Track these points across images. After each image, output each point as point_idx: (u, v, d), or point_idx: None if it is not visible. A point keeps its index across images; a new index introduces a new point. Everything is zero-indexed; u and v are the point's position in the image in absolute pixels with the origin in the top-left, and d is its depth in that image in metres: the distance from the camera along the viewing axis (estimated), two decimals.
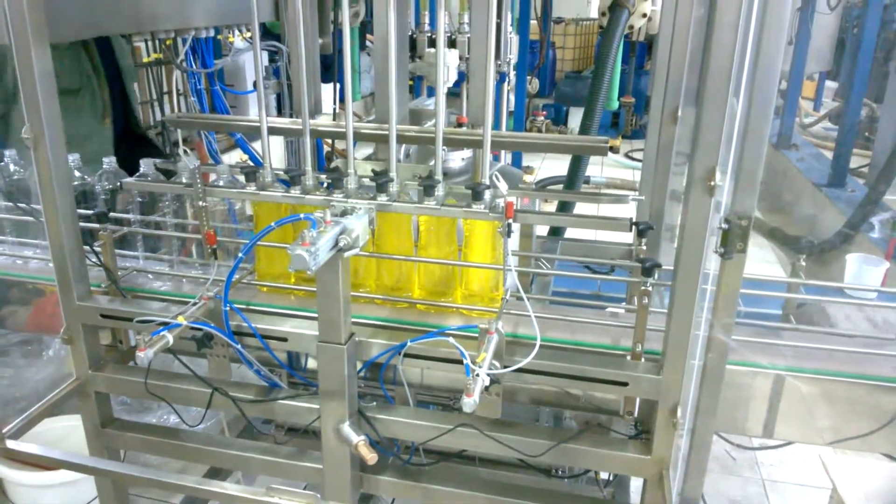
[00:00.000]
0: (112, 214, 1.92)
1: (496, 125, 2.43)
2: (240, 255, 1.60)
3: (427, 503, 1.76)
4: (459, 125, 2.48)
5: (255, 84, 2.79)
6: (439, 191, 1.63)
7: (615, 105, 4.55)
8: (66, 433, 2.57)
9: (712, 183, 1.29)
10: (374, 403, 1.71)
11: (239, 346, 1.69)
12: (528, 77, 6.42)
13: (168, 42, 2.38)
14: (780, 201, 6.48)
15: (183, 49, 2.44)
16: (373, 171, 1.79)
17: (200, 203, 1.72)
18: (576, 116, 8.63)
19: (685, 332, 1.44)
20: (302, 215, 1.49)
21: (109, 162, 2.00)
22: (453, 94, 2.72)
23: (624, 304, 2.62)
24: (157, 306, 1.81)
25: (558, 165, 6.41)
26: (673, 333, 1.45)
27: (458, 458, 2.03)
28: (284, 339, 1.68)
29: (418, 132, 1.95)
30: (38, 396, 2.93)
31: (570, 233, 2.94)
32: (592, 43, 10.57)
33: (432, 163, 1.99)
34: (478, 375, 1.35)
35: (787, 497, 2.91)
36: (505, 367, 1.52)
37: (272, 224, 1.54)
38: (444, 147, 1.75)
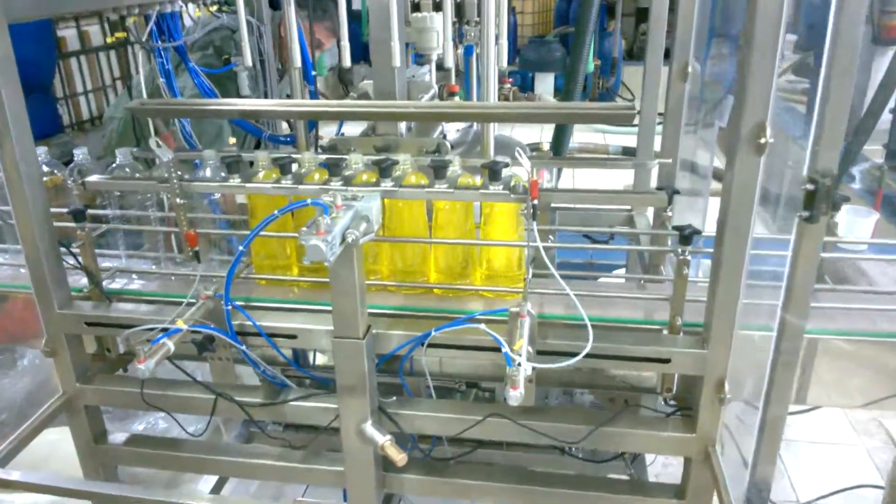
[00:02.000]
0: (90, 211, 1.76)
1: (467, 94, 2.30)
2: (241, 248, 1.45)
3: (455, 498, 1.66)
4: (451, 94, 2.34)
5: (227, 60, 2.59)
6: (454, 169, 1.50)
7: (591, 67, 4.46)
8: (53, 448, 2.40)
9: (762, 140, 1.19)
10: (394, 398, 1.60)
11: (244, 348, 1.55)
12: None
13: (133, 19, 2.18)
14: None
15: (148, 26, 2.25)
16: (375, 147, 1.66)
17: (178, 200, 1.56)
18: (542, 82, 8.49)
19: (732, 302, 1.34)
20: (309, 200, 1.36)
21: (83, 153, 1.82)
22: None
23: (624, 271, 2.56)
24: (147, 309, 1.66)
25: (533, 133, 6.29)
26: (719, 304, 1.35)
27: (480, 443, 1.92)
28: (294, 337, 1.55)
29: (425, 108, 1.79)
30: (17, 410, 2.77)
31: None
32: (551, 7, 10.40)
33: (436, 134, 1.87)
34: (520, 365, 1.24)
35: (800, 456, 2.88)
36: (538, 351, 1.41)
37: (276, 212, 1.40)
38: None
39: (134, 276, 1.83)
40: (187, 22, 2.79)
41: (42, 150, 1.91)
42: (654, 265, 1.90)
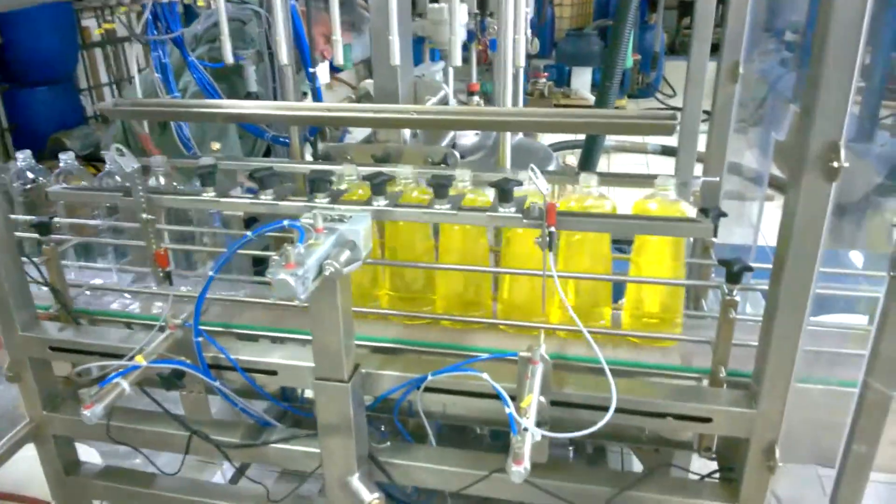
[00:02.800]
0: (60, 220, 1.59)
1: None
2: (210, 273, 1.26)
3: None
4: (470, 94, 2.12)
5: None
6: (464, 183, 1.29)
7: (629, 63, 4.19)
8: (32, 471, 2.25)
9: (835, 164, 0.95)
10: (388, 443, 1.40)
11: (218, 384, 1.36)
12: (529, 37, 6.01)
13: (123, 9, 2.01)
14: None
15: (143, 17, 2.07)
16: (373, 157, 1.45)
17: (144, 216, 1.37)
18: (579, 76, 8.18)
19: (790, 353, 1.11)
20: (286, 222, 1.16)
21: (66, 159, 1.64)
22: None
23: None
24: (118, 335, 1.48)
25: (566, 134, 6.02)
26: (774, 355, 1.12)
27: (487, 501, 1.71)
28: (274, 373, 1.36)
29: (431, 114, 1.57)
30: None
31: None
32: None
33: (445, 142, 1.65)
34: (526, 430, 1.02)
35: None
36: (553, 402, 1.20)
37: (248, 234, 1.20)
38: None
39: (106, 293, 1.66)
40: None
41: (25, 155, 1.75)
42: (693, 295, 1.66)
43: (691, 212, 1.33)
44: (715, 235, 1.25)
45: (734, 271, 1.16)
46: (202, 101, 2.04)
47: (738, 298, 1.17)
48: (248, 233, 1.20)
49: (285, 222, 1.15)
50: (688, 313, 1.43)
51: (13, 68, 4.72)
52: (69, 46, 5.23)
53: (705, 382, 1.29)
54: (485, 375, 1.16)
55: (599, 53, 7.85)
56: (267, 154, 2.71)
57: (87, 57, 5.72)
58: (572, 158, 5.93)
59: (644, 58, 8.23)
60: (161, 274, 1.46)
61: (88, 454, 2.02)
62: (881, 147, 5.16)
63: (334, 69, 2.81)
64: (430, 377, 1.23)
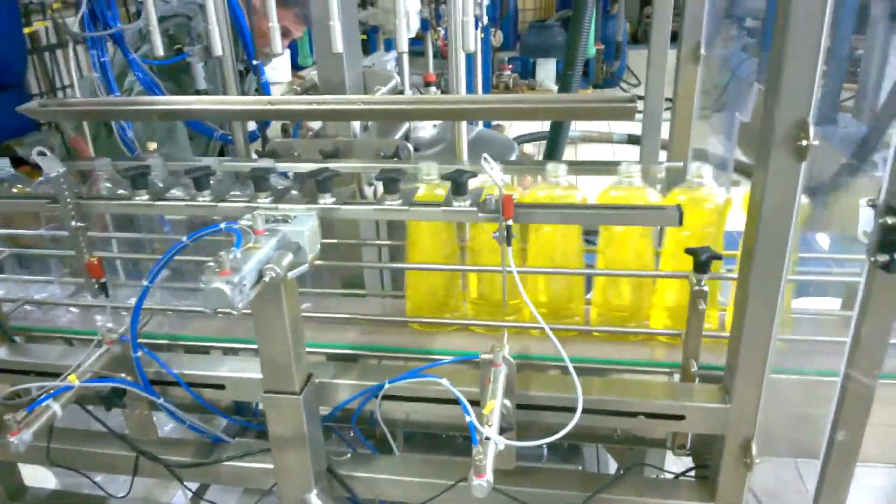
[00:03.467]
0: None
1: (469, 85, 2.00)
2: (145, 283, 1.17)
3: None
4: (427, 85, 2.05)
5: (179, 50, 2.31)
6: (428, 175, 1.22)
7: (592, 51, 4.14)
8: None
9: (804, 143, 0.90)
10: (348, 455, 1.32)
11: (162, 401, 1.27)
12: (492, 29, 5.95)
13: (56, 5, 1.90)
14: None
15: (79, 13, 1.96)
16: (321, 152, 1.37)
17: (73, 224, 1.27)
18: (544, 68, 8.15)
19: (763, 345, 1.05)
20: (223, 225, 1.07)
21: (2, 166, 1.53)
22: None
23: None
24: (54, 352, 1.38)
25: (533, 124, 5.96)
26: (745, 347, 1.06)
27: None
28: (221, 387, 1.27)
29: (380, 104, 1.49)
30: None
31: None
32: None
33: (398, 135, 1.58)
34: (488, 439, 0.95)
35: None
36: (519, 405, 1.13)
37: (183, 240, 1.11)
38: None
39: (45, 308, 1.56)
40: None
41: (4, 163, 1.63)
42: None
43: (657, 199, 1.27)
44: (681, 223, 1.19)
45: (702, 260, 1.10)
46: (134, 99, 1.94)
47: (706, 289, 1.11)
48: (184, 238, 1.11)
49: (222, 225, 1.07)
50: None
51: None
52: (16, 50, 5.04)
53: (677, 377, 1.23)
54: (444, 381, 1.08)
55: (563, 44, 7.81)
56: (221, 155, 2.60)
57: (37, 62, 5.52)
58: (530, 147, 5.87)
59: (607, 47, 8.22)
60: (95, 285, 1.36)
61: (41, 475, 1.91)
62: (844, 129, 5.19)
63: (297, 66, 2.70)
64: (387, 385, 1.16)
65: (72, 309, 1.55)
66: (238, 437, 1.44)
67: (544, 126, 5.43)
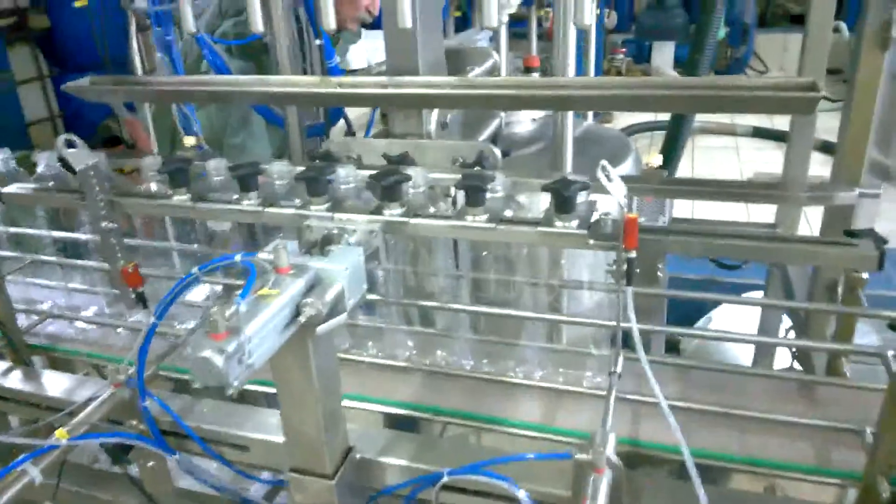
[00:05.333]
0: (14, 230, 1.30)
1: (579, 70, 1.66)
2: (153, 321, 0.92)
3: None
4: (527, 70, 1.73)
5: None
6: (496, 191, 0.92)
7: (722, 34, 3.66)
8: None
9: None
10: None
11: (178, 457, 1.04)
12: (606, 10, 5.51)
13: None
14: None
15: None
16: (384, 157, 1.09)
17: (104, 224, 1.06)
18: (661, 52, 7.57)
19: None
20: (237, 257, 0.81)
21: (3, 159, 1.35)
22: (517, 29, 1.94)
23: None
24: (70, 384, 1.18)
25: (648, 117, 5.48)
26: None
27: None
28: (245, 449, 1.02)
29: (464, 88, 1.18)
30: None
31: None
32: None
33: (485, 135, 1.28)
34: None
35: None
36: None
37: (193, 271, 0.86)
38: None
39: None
40: None
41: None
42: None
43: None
44: (881, 267, 0.84)
45: None
46: (181, 78, 1.72)
47: None
48: (195, 269, 0.86)
49: (237, 257, 0.81)
50: (825, 380, 1.01)
51: (61, 53, 4.59)
52: (117, 29, 5.08)
53: (852, 492, 0.88)
54: (521, 494, 0.78)
55: (683, 26, 7.21)
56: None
57: (143, 41, 5.55)
58: (643, 140, 5.38)
59: (733, 30, 7.52)
60: (132, 295, 1.14)
61: None
62: None
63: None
64: (446, 477, 0.87)
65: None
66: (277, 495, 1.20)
67: (658, 115, 4.95)
